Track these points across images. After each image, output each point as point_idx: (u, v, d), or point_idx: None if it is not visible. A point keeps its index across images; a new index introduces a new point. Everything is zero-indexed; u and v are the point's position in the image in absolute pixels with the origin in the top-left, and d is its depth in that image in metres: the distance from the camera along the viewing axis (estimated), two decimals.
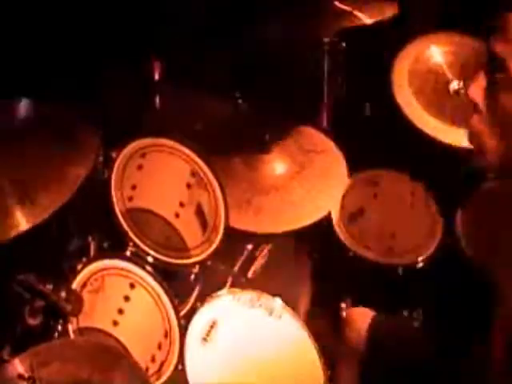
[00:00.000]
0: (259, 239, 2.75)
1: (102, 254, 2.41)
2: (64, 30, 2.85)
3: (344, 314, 2.44)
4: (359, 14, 2.72)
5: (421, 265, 2.66)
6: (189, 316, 2.39)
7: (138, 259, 2.38)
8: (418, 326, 2.58)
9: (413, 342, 2.06)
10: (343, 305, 2.61)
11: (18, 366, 1.92)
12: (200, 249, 2.50)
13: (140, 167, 2.55)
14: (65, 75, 2.87)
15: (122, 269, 2.37)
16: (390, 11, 2.76)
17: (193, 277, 2.50)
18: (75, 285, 2.25)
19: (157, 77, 2.73)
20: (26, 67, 2.79)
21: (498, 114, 1.49)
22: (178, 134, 2.62)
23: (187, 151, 2.60)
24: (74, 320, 2.18)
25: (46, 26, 2.83)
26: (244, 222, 2.63)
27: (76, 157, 2.30)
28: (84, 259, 2.39)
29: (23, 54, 2.78)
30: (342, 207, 2.80)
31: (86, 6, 2.87)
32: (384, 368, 2.01)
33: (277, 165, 2.78)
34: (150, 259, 2.39)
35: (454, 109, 2.73)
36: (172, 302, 2.37)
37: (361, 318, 2.15)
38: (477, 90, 1.52)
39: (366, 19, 2.72)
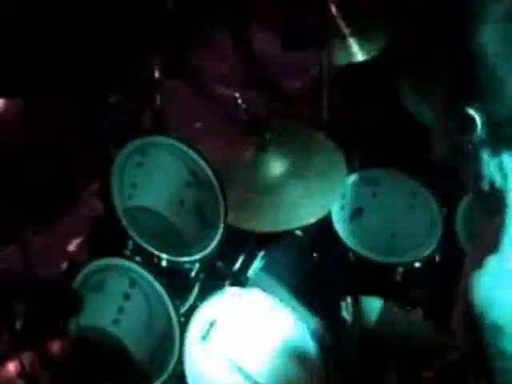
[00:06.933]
0: (259, 239, 2.75)
1: (101, 253, 2.41)
2: (64, 30, 2.86)
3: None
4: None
5: (421, 264, 2.65)
6: (188, 315, 2.39)
7: (138, 257, 2.38)
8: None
9: None
10: (343, 304, 2.61)
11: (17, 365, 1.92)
12: (199, 247, 2.50)
13: (140, 165, 2.55)
14: (65, 75, 2.87)
15: (121, 267, 2.37)
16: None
17: (193, 275, 2.50)
18: (75, 284, 2.25)
19: (157, 76, 2.73)
20: (26, 67, 2.79)
21: None
22: (178, 133, 2.62)
23: (187, 149, 2.61)
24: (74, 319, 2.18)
25: (46, 26, 2.83)
26: (244, 221, 2.63)
27: None
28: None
29: (24, 54, 2.79)
30: (342, 207, 2.79)
31: (86, 6, 2.87)
32: None
33: (277, 165, 2.78)
34: (149, 257, 2.39)
35: None
36: (172, 300, 2.37)
37: None
38: None
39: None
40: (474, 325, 1.42)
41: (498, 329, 1.40)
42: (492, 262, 1.43)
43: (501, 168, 1.50)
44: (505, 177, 1.50)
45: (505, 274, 1.42)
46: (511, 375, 1.43)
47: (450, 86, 1.50)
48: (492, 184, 1.51)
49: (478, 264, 1.44)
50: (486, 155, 1.50)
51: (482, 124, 1.45)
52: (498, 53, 1.42)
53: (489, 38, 1.42)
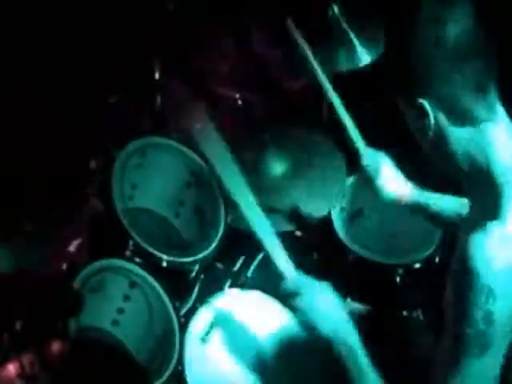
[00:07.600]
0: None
1: (101, 254, 2.41)
2: (64, 30, 2.86)
3: None
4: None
5: (420, 265, 2.65)
6: (189, 315, 2.39)
7: (138, 258, 2.38)
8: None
9: None
10: None
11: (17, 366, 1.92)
12: (199, 248, 2.50)
13: (140, 166, 2.55)
14: (65, 75, 2.87)
15: (121, 268, 2.37)
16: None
17: (193, 276, 2.50)
18: (75, 284, 2.25)
19: (157, 76, 2.73)
20: (26, 67, 2.79)
21: None
22: (178, 133, 2.62)
23: (187, 150, 2.61)
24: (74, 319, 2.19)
25: (46, 26, 2.83)
26: (244, 221, 2.62)
27: None
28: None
29: (24, 53, 2.79)
30: (342, 207, 2.79)
31: (86, 6, 2.87)
32: None
33: (277, 165, 2.77)
34: (149, 258, 2.39)
35: None
36: (172, 301, 2.37)
37: None
38: None
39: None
40: (468, 284, 1.48)
41: (490, 290, 1.46)
42: (494, 226, 1.49)
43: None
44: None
45: (506, 238, 1.48)
46: (480, 340, 1.49)
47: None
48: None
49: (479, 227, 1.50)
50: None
51: None
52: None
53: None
